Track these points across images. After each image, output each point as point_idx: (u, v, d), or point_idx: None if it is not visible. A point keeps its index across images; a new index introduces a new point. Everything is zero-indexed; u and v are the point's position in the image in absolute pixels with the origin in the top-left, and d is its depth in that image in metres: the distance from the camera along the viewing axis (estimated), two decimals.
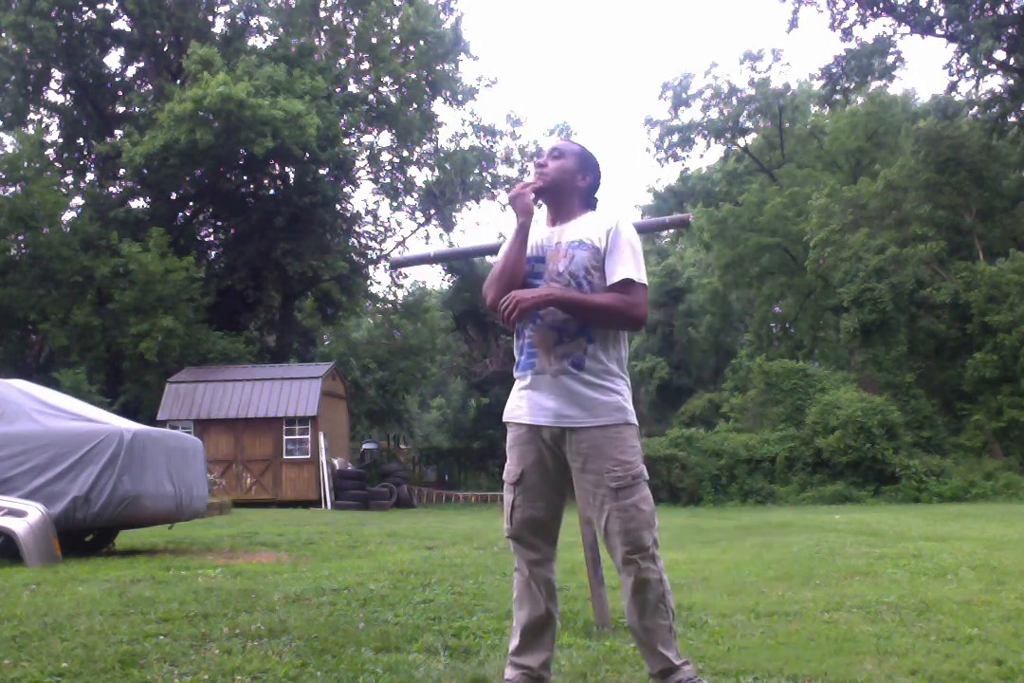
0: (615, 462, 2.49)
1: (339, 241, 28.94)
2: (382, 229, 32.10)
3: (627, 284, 2.54)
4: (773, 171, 34.22)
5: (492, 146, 32.00)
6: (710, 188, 39.55)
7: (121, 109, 29.44)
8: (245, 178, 27.26)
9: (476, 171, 31.09)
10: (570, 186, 2.70)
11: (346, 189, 29.28)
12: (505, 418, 2.70)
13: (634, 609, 2.51)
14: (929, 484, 19.17)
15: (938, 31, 24.77)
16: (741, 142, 36.13)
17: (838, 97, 27.54)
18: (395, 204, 32.07)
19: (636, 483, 2.50)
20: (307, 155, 24.73)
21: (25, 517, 6.33)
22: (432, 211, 31.72)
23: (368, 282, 31.74)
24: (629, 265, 2.55)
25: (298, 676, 2.91)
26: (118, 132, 27.34)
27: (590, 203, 2.75)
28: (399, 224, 44.75)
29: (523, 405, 2.63)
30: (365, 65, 29.74)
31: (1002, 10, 22.93)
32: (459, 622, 3.86)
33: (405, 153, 31.21)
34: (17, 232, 23.35)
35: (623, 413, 2.56)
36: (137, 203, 28.02)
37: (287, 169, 27.04)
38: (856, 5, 25.04)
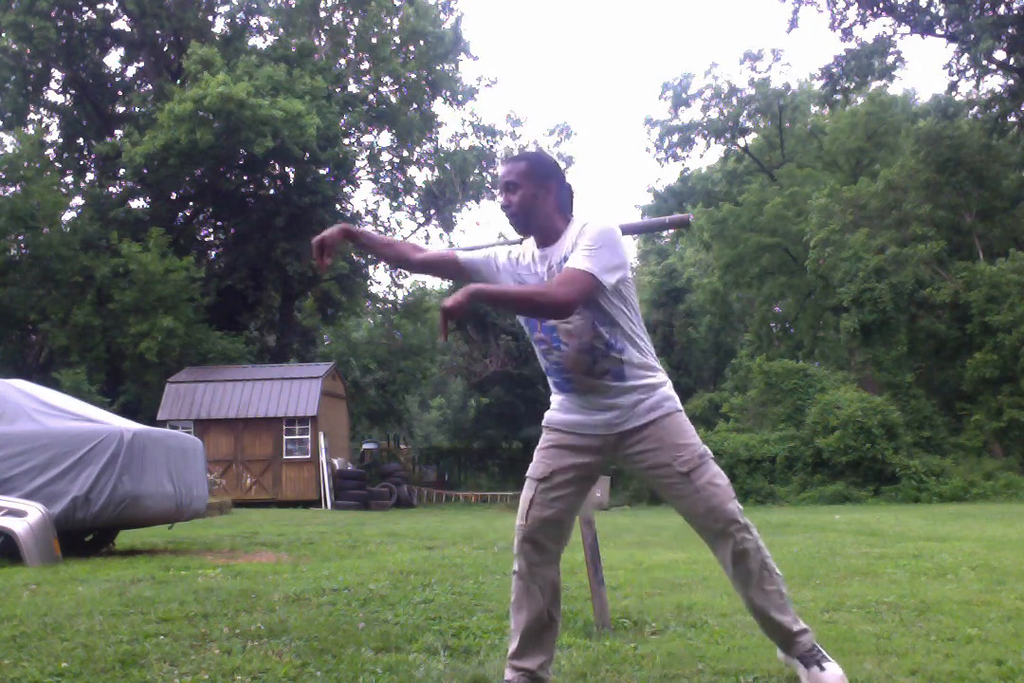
0: (678, 448, 2.51)
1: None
2: (382, 229, 32.12)
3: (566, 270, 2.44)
4: (773, 171, 34.18)
5: (492, 146, 32.06)
6: (710, 188, 39.49)
7: (121, 109, 29.47)
8: (245, 178, 27.26)
9: (476, 171, 31.11)
10: (539, 207, 2.56)
11: (346, 189, 29.32)
12: (546, 423, 2.66)
13: (739, 582, 2.52)
14: (929, 484, 19.15)
15: (938, 31, 24.74)
16: (741, 142, 36.08)
17: (838, 97, 27.48)
18: (395, 204, 32.17)
19: (704, 461, 2.52)
20: (307, 155, 24.74)
21: (25, 517, 6.33)
22: (432, 211, 31.75)
23: (368, 282, 31.79)
24: (578, 256, 2.42)
25: (298, 676, 2.91)
26: (118, 132, 27.36)
27: (567, 208, 2.61)
28: (399, 224, 44.70)
29: (567, 418, 2.61)
30: (365, 65, 29.78)
31: (1002, 10, 22.90)
32: (459, 622, 3.86)
33: (405, 153, 31.28)
34: (17, 232, 23.36)
35: (672, 402, 2.58)
36: (137, 203, 28.08)
37: (287, 169, 27.05)
38: (856, 5, 25.00)
